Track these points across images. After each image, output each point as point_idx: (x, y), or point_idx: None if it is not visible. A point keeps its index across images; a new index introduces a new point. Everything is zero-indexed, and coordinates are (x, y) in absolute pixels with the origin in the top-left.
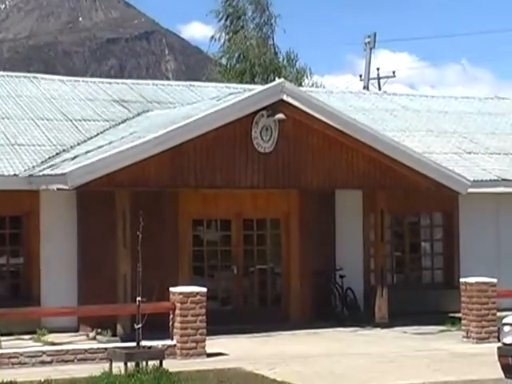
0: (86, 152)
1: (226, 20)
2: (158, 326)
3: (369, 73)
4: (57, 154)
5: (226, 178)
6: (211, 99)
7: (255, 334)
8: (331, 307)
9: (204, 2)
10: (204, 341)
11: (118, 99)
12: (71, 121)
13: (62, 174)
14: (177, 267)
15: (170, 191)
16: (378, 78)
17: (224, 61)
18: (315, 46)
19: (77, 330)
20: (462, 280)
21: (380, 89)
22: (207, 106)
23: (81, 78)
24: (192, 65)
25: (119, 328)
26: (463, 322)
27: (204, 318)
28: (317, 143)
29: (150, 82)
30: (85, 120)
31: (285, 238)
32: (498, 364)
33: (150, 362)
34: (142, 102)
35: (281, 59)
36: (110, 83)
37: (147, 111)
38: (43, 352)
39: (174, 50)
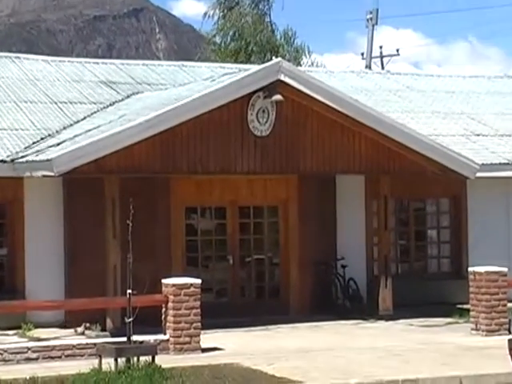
0: (73, 136)
1: None
2: (150, 319)
3: (371, 51)
4: (41, 138)
5: (221, 164)
6: (204, 80)
7: (252, 328)
8: (332, 299)
9: None
10: (198, 335)
11: (106, 80)
12: (56, 103)
13: (48, 160)
14: (169, 257)
15: (161, 177)
16: (381, 57)
17: (218, 39)
18: (314, 23)
19: (64, 325)
20: (470, 269)
21: (383, 68)
22: (200, 88)
23: (66, 58)
24: (184, 44)
25: (109, 322)
26: (472, 313)
27: (198, 311)
28: (316, 126)
29: (139, 62)
30: (71, 103)
31: (283, 226)
32: (509, 357)
33: (142, 358)
34: (132, 83)
35: (278, 37)
36: (98, 63)
37: (137, 93)
38: (28, 348)
39: (164, 28)
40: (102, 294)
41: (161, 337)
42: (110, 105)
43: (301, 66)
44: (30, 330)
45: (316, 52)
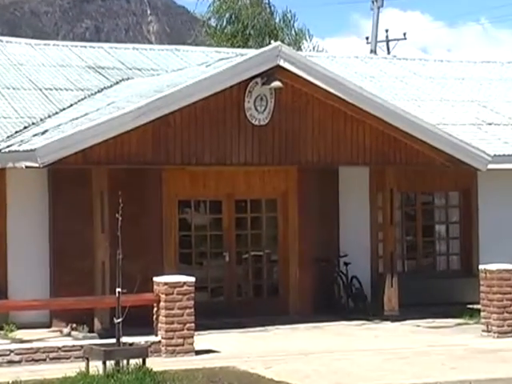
0: (58, 125)
1: None
2: (141, 320)
3: (376, 35)
4: (25, 127)
5: (216, 154)
6: (199, 65)
7: (250, 329)
8: (335, 298)
9: None
10: (192, 336)
11: (94, 65)
12: (41, 90)
13: (32, 150)
14: (161, 254)
15: (153, 169)
16: (387, 41)
17: (213, 22)
18: (315, 5)
19: (49, 326)
20: (481, 267)
21: (389, 53)
22: (195, 73)
23: (51, 42)
24: (177, 27)
25: (97, 323)
26: (483, 314)
27: (192, 311)
28: (318, 114)
29: (129, 45)
30: (56, 89)
31: (282, 221)
32: None
33: (132, 361)
34: (121, 68)
35: (277, 20)
36: (85, 47)
37: (127, 79)
38: (11, 350)
39: (156, 10)
40: (90, 293)
41: (152, 338)
42: (98, 91)
43: (301, 50)
44: (12, 331)
45: (317, 36)
